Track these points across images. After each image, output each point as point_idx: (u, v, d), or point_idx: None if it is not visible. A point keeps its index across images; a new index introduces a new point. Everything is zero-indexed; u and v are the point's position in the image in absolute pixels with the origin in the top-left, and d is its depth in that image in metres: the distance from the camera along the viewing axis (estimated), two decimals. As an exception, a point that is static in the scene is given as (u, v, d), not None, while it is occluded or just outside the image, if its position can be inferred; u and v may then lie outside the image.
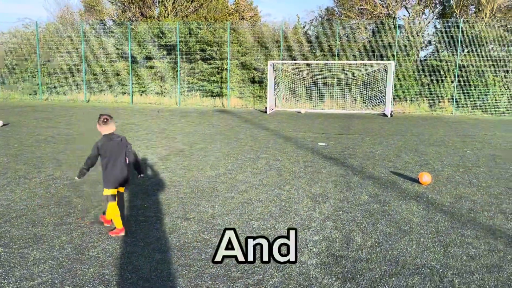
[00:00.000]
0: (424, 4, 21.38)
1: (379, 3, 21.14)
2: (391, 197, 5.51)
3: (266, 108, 18.51)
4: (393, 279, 3.30)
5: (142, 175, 4.38)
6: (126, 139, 4.26)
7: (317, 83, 20.64)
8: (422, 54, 21.60)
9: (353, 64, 19.61)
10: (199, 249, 3.80)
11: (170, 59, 22.47)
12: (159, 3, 21.90)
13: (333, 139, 10.52)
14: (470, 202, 5.33)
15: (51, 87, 23.94)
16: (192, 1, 22.26)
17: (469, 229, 4.40)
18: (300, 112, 18.27)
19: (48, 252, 3.66)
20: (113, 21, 23.64)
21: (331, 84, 20.74)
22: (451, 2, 20.54)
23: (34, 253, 3.63)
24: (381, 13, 21.32)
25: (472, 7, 20.28)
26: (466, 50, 19.69)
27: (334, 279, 3.29)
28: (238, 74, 21.82)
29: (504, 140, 10.80)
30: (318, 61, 19.76)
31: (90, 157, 4.10)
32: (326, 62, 19.51)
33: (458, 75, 19.46)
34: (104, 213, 4.34)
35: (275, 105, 19.84)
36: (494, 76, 19.44)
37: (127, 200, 5.18)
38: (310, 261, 3.59)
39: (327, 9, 23.06)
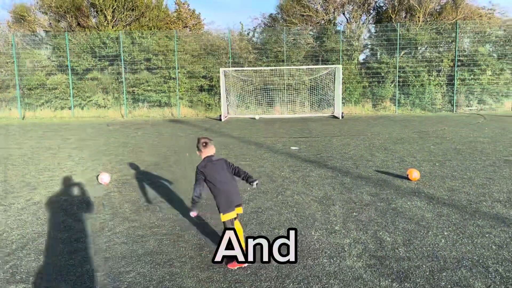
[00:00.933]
0: (361, 10, 22.45)
1: (321, 10, 21.86)
2: (391, 195, 5.65)
3: (220, 116, 18.33)
4: (444, 274, 3.36)
5: (256, 181, 3.89)
6: (225, 159, 3.90)
7: (266, 89, 20.86)
8: (361, 57, 22.68)
9: (302, 69, 20.07)
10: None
11: (112, 70, 21.52)
12: (97, 12, 20.87)
13: (302, 143, 10.64)
14: (464, 194, 5.62)
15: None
16: (132, 10, 21.50)
17: (480, 219, 4.62)
18: (255, 118, 18.32)
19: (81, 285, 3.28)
20: (46, 32, 22.14)
21: (280, 89, 21.07)
22: (386, 7, 21.77)
23: (65, 286, 3.24)
24: (322, 19, 22.05)
25: (404, 12, 21.62)
26: (402, 53, 20.96)
27: (390, 280, 3.28)
28: (186, 83, 21.43)
29: (456, 134, 11.60)
30: (269, 67, 19.97)
31: (198, 183, 3.69)
32: (277, 67, 19.78)
33: (399, 76, 20.65)
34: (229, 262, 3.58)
35: (228, 112, 19.72)
36: (429, 75, 20.89)
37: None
38: (357, 264, 3.56)
39: (270, 15, 23.41)
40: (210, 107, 21.95)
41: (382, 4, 22.29)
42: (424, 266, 3.51)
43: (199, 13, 24.33)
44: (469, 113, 19.20)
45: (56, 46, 21.02)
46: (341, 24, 22.92)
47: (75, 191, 6.20)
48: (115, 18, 21.24)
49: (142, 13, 21.79)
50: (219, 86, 21.39)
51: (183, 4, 23.55)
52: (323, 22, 22.41)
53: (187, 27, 23.30)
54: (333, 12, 22.09)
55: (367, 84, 21.33)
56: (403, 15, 21.42)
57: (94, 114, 21.35)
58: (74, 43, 20.63)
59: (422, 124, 14.84)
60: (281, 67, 20.07)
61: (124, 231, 4.47)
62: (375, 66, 21.15)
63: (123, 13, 21.24)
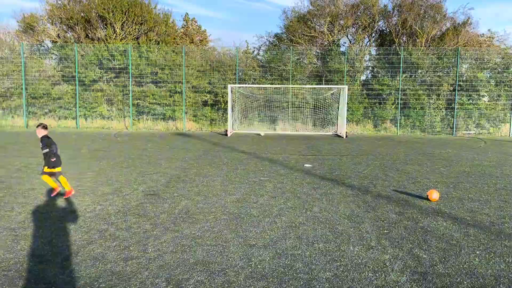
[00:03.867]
0: (364, 32, 23.06)
1: (327, 32, 22.40)
2: (415, 214, 5.89)
3: (226, 130, 18.58)
4: (486, 290, 3.58)
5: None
6: None
7: (269, 106, 21.22)
8: (363, 78, 23.20)
9: (308, 88, 20.48)
10: (289, 275, 3.80)
11: (118, 82, 21.74)
12: (106, 25, 21.19)
13: (313, 161, 10.89)
14: (485, 215, 5.88)
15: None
16: (141, 24, 21.86)
17: (506, 240, 4.88)
18: (260, 134, 18.59)
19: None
20: (53, 42, 22.37)
21: (283, 107, 21.44)
22: (390, 30, 22.39)
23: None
24: (327, 40, 22.59)
25: (406, 36, 22.24)
26: (404, 76, 21.51)
27: (437, 294, 3.49)
28: (191, 97, 21.71)
29: (462, 158, 11.95)
30: (277, 85, 20.36)
31: (55, 146, 6.42)
32: (284, 86, 20.19)
33: (400, 98, 21.15)
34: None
35: (232, 128, 19.97)
36: (429, 99, 21.43)
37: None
38: (401, 279, 3.77)
39: (276, 35, 23.91)
40: (214, 122, 22.21)
41: (384, 28, 22.89)
42: (465, 282, 3.73)
43: (205, 30, 24.74)
44: (469, 137, 19.66)
45: (63, 56, 21.24)
46: (344, 45, 23.46)
47: (106, 200, 6.35)
48: (124, 32, 21.55)
49: (151, 27, 22.15)
50: (224, 102, 21.76)
51: (191, 20, 23.99)
52: (326, 43, 22.93)
53: (193, 42, 23.69)
54: (337, 34, 22.62)
55: (368, 105, 21.80)
56: (405, 39, 22.01)
57: (98, 125, 21.48)
58: (82, 54, 20.86)
59: (426, 146, 15.21)
60: (288, 86, 20.51)
61: (169, 240, 4.63)
62: (377, 88, 21.65)
63: (132, 27, 21.57)
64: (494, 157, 12.21)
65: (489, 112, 21.29)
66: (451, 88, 21.14)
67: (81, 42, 21.63)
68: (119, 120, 21.96)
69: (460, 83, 20.78)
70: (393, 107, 21.69)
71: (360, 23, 22.16)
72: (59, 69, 21.82)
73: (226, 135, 18.08)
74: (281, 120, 21.29)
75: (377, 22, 22.48)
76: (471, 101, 21.17)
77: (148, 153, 11.92)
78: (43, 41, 21.90)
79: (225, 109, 22.17)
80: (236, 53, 21.39)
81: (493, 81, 21.65)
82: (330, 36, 22.42)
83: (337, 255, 4.32)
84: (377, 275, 3.85)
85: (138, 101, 21.68)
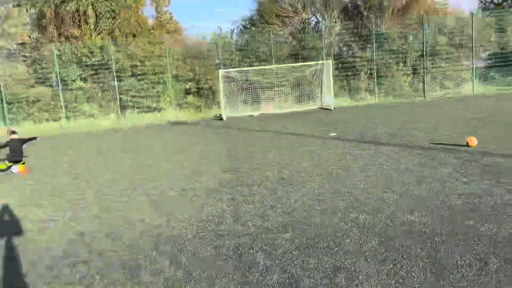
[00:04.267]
0: (331, 8, 24.13)
1: (300, 10, 23.26)
2: (470, 157, 6.98)
3: (220, 115, 19.10)
4: None
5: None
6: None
7: (254, 88, 21.88)
8: (336, 52, 24.38)
9: (291, 66, 21.31)
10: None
11: (98, 78, 21.42)
12: (79, 22, 20.72)
13: (332, 130, 11.83)
14: (524, 150, 7.09)
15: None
16: (114, 18, 21.56)
17: (558, 164, 6.06)
18: (253, 116, 19.27)
19: None
20: (21, 44, 21.53)
21: (265, 88, 22.18)
22: (359, 4, 23.62)
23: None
24: (300, 19, 23.48)
25: (374, 9, 23.60)
26: (374, 47, 22.90)
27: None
28: (173, 87, 21.88)
29: (453, 113, 13.41)
30: (270, 66, 21.03)
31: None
32: (277, 66, 20.91)
33: (371, 69, 22.59)
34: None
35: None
36: (398, 66, 23.04)
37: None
38: (505, 197, 4.78)
39: (251, 18, 24.43)
40: (199, 109, 22.55)
41: (353, 2, 24.08)
42: (560, 192, 4.80)
43: (178, 20, 24.80)
44: (440, 97, 21.53)
45: (39, 58, 20.56)
46: (314, 22, 24.47)
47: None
48: (99, 27, 21.18)
49: (124, 20, 21.90)
50: (207, 88, 22.15)
51: (165, 12, 23.94)
52: (298, 21, 23.81)
53: (168, 32, 23.68)
54: (309, 12, 23.56)
55: (343, 78, 23.05)
56: (373, 12, 23.35)
57: (83, 124, 21.13)
58: (59, 53, 20.33)
59: (412, 108, 16.65)
60: (278, 66, 21.23)
61: (328, 188, 5.36)
62: (350, 60, 22.94)
63: (105, 22, 21.23)
64: (478, 109, 13.77)
65: (451, 74, 23.27)
66: (417, 55, 22.84)
67: (54, 41, 20.99)
68: (105, 118, 21.70)
69: (426, 48, 22.50)
70: (365, 77, 23.10)
71: (329, 0, 23.19)
72: (33, 71, 21.10)
73: (222, 119, 18.59)
74: (266, 100, 22.03)
75: (345, -2, 23.62)
76: (434, 65, 23.01)
77: (178, 144, 12.31)
78: (16, 43, 21.02)
79: (208, 95, 22.57)
80: (218, 38, 21.76)
81: (451, 44, 23.58)
82: (303, 15, 23.30)
83: (448, 190, 5.25)
84: (493, 197, 4.82)
85: (121, 95, 21.53)
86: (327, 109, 19.50)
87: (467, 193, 5.04)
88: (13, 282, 3.63)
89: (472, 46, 22.54)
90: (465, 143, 7.96)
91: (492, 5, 26.93)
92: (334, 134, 11.04)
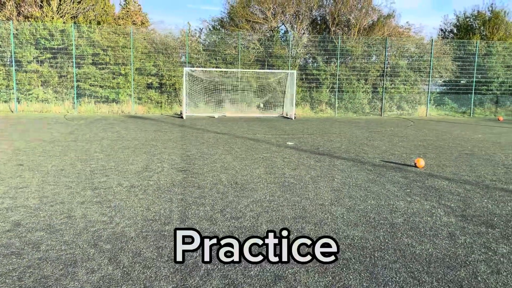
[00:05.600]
0: (301, 19, 24.56)
1: (270, 18, 23.46)
2: (416, 177, 7.29)
3: (181, 113, 18.86)
4: (510, 222, 4.98)
5: None
6: None
7: (217, 89, 21.81)
8: (300, 63, 24.79)
9: (254, 72, 21.42)
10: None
11: (55, 63, 20.59)
12: (42, 2, 19.85)
13: (288, 139, 11.99)
14: (466, 175, 7.49)
15: None
16: (79, 3, 20.83)
17: (499, 190, 6.44)
18: (214, 117, 19.18)
19: None
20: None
21: (228, 90, 22.18)
22: (327, 19, 24.16)
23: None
24: (269, 27, 23.69)
25: (342, 25, 24.23)
26: (338, 62, 23.51)
27: None
28: (135, 80, 21.42)
29: (407, 134, 13.96)
30: (232, 69, 20.98)
31: None
32: (243, 70, 20.92)
33: (333, 83, 23.13)
34: None
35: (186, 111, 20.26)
36: (358, 83, 23.74)
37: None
38: (451, 219, 5.03)
39: (220, 19, 24.36)
40: (159, 105, 22.19)
41: (320, 17, 24.58)
42: (495, 219, 5.10)
43: (146, 13, 24.30)
44: (395, 117, 22.35)
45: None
46: (282, 30, 24.75)
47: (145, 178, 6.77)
48: (61, 10, 20.37)
49: (88, 6, 21.21)
50: (170, 84, 21.85)
51: (134, 2, 23.38)
52: (267, 29, 24.01)
53: (135, 24, 23.15)
54: (278, 21, 23.81)
55: (306, 89, 23.47)
56: (339, 29, 23.97)
57: (35, 109, 20.23)
58: (15, 33, 19.36)
59: (369, 125, 17.19)
60: (245, 70, 21.27)
61: (247, 203, 5.38)
62: (314, 73, 23.38)
63: (70, 5, 20.47)
64: (430, 133, 14.44)
65: (408, 95, 24.26)
66: (378, 74, 23.64)
67: (12, 19, 19.98)
68: (58, 104, 20.86)
69: (386, 69, 23.34)
70: (327, 90, 23.62)
71: (299, 11, 23.56)
72: (-14, 48, 19.96)
73: (182, 117, 18.37)
74: (228, 103, 22.01)
75: (314, 11, 24.08)
76: (393, 86, 23.92)
77: (130, 135, 12.02)
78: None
79: (170, 92, 22.26)
80: (186, 35, 21.52)
81: (410, 68, 24.63)
82: (273, 23, 23.52)
83: (392, 208, 5.45)
84: (432, 218, 5.05)
85: (79, 83, 20.79)
86: (288, 118, 19.74)
87: (409, 212, 5.24)
88: None
89: (430, 71, 23.61)
90: (413, 164, 8.29)
91: (451, 35, 28.35)
92: (291, 143, 11.19)
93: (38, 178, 6.57)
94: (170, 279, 3.32)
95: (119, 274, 3.37)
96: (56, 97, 20.79)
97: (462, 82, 24.69)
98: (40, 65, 20.20)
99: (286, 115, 20.55)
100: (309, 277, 3.39)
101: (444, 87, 25.84)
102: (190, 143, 10.75)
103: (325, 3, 24.11)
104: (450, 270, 3.58)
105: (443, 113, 24.72)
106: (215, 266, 3.53)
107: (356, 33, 23.40)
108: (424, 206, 5.52)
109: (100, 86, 21.07)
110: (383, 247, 4.05)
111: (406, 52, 24.42)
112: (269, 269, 3.51)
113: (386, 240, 4.24)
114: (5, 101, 20.10)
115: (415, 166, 8.18)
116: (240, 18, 23.50)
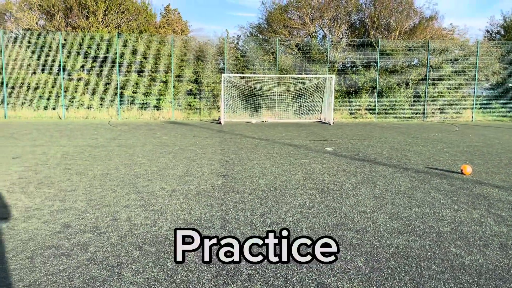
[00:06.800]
0: (339, 24, 24.32)
1: (308, 23, 23.39)
2: (463, 184, 6.99)
3: (219, 118, 19.09)
4: None
5: None
6: None
7: (255, 95, 21.94)
8: (339, 68, 24.52)
9: (295, 77, 21.41)
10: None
11: (101, 71, 21.43)
12: (88, 13, 20.76)
13: (327, 144, 11.85)
14: (517, 183, 7.10)
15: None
16: (123, 13, 21.61)
17: (550, 200, 6.06)
18: (251, 122, 19.28)
19: None
20: (29, 30, 21.53)
21: (266, 96, 22.25)
22: (363, 24, 23.81)
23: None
24: (307, 32, 23.61)
25: (382, 29, 23.80)
26: (378, 66, 23.07)
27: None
28: (175, 87, 21.92)
29: (452, 139, 13.46)
30: (274, 75, 21.07)
31: None
32: (281, 75, 20.96)
33: (373, 87, 22.70)
34: None
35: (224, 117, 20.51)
36: (399, 87, 23.17)
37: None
38: (502, 229, 4.78)
39: (258, 26, 24.56)
40: (198, 111, 22.58)
41: (359, 21, 24.24)
42: (549, 229, 4.80)
43: (186, 21, 24.89)
44: (439, 122, 21.61)
45: (44, 45, 20.56)
46: (320, 35, 24.59)
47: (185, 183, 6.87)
48: (106, 20, 21.22)
49: (132, 16, 21.96)
50: (208, 91, 22.18)
51: (173, 11, 24.03)
52: (305, 34, 23.94)
53: (175, 32, 23.75)
54: (316, 26, 23.69)
55: (344, 93, 23.18)
56: (379, 32, 23.53)
57: (81, 115, 21.11)
58: (63, 42, 20.33)
59: (410, 130, 16.72)
60: (284, 75, 21.36)
61: (288, 209, 5.34)
62: (353, 77, 23.05)
63: (114, 16, 21.28)
64: (477, 138, 13.84)
65: (452, 100, 23.42)
66: (420, 78, 22.98)
67: (61, 30, 21.02)
68: (101, 110, 21.68)
69: (429, 72, 22.66)
70: (367, 95, 23.21)
71: (338, 16, 23.35)
72: (37, 58, 21.08)
73: (220, 123, 18.60)
74: (265, 109, 22.09)
75: (353, 15, 23.79)
76: (436, 89, 23.16)
77: (170, 141, 12.29)
78: (20, 29, 21.02)
79: (209, 98, 22.60)
80: (225, 43, 21.82)
81: (455, 71, 23.79)
82: (311, 28, 23.44)
83: (438, 216, 5.25)
84: (482, 227, 4.82)
85: (122, 90, 21.53)
86: (326, 123, 19.54)
87: (457, 220, 5.03)
88: (-8, 268, 3.58)
89: (476, 74, 22.72)
90: (459, 171, 7.97)
91: (498, 36, 27.16)
92: (330, 148, 11.05)
93: (85, 182, 6.83)
94: (212, 283, 3.34)
95: (163, 277, 3.44)
96: (101, 104, 21.61)
97: (510, 85, 23.57)
98: (86, 73, 21.11)
99: (324, 120, 20.36)
100: (352, 285, 3.32)
101: (491, 91, 24.75)
102: (229, 149, 10.85)
103: (364, 6, 23.74)
104: (503, 283, 3.40)
105: (490, 117, 23.66)
106: (257, 272, 3.53)
107: (396, 36, 22.90)
108: (472, 214, 5.28)
109: (142, 93, 21.72)
110: (429, 257, 3.91)
111: (450, 55, 23.63)
112: (311, 276, 3.46)
113: (433, 250, 4.09)
114: (54, 108, 21.10)
115: (462, 173, 7.86)
116: (277, 24, 23.57)
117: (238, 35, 24.51)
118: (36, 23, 21.27)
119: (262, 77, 21.62)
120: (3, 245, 4.09)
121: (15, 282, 3.33)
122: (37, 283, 3.31)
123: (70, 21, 21.02)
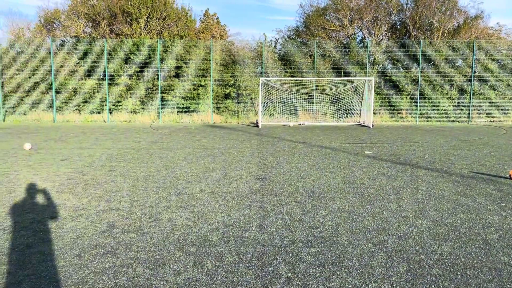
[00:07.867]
0: (379, 25, 23.86)
1: (347, 25, 23.13)
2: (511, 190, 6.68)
3: (256, 122, 19.21)
4: None
5: None
6: None
7: (290, 98, 21.90)
8: (379, 69, 24.02)
9: (334, 80, 21.21)
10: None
11: (143, 76, 22.09)
12: (131, 20, 21.50)
13: (367, 148, 11.63)
14: None
15: (5, 107, 22.04)
16: (164, 19, 22.22)
17: None
18: (289, 126, 19.25)
19: None
20: (76, 37, 22.56)
21: (303, 99, 22.14)
22: (407, 23, 23.24)
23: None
24: (346, 33, 23.33)
25: (423, 29, 23.14)
26: (420, 67, 22.42)
27: None
28: (214, 90, 22.24)
29: (498, 143, 12.87)
30: (312, 78, 21.03)
31: None
32: (319, 78, 20.87)
33: (415, 89, 22.08)
34: None
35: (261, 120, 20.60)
36: (442, 89, 22.40)
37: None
38: (556, 238, 4.52)
39: (296, 29, 24.54)
40: (236, 114, 22.80)
41: (400, 21, 23.69)
42: None
43: (224, 24, 25.23)
44: (485, 125, 20.72)
45: (90, 51, 21.47)
46: (359, 37, 24.22)
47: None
48: (148, 27, 21.89)
49: (172, 22, 22.53)
50: (246, 94, 22.36)
51: (212, 16, 24.45)
52: (344, 36, 23.66)
53: (214, 37, 24.14)
54: (355, 27, 23.37)
55: (385, 96, 22.68)
56: (420, 33, 22.89)
57: (124, 119, 21.84)
58: (110, 49, 21.16)
59: (454, 133, 16.13)
60: (323, 78, 21.25)
61: (325, 213, 5.30)
62: (393, 79, 22.52)
63: (156, 22, 21.92)
64: (527, 142, 13.16)
65: (499, 102, 22.38)
66: (464, 79, 22.13)
67: (106, 37, 21.88)
68: (143, 114, 22.33)
69: (474, 74, 21.78)
70: (408, 97, 22.60)
71: (377, 17, 22.93)
72: (82, 64, 22.03)
73: (257, 126, 18.70)
74: (302, 112, 21.99)
75: (394, 16, 23.29)
76: (482, 91, 22.21)
77: (209, 144, 12.49)
78: (68, 37, 22.09)
79: (247, 102, 22.76)
80: (263, 46, 21.96)
81: (502, 72, 22.73)
82: (349, 30, 23.14)
83: (485, 223, 5.04)
84: (532, 236, 4.58)
85: (163, 94, 22.09)
86: (365, 126, 19.21)
87: (505, 227, 4.81)
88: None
89: (525, 75, 21.63)
90: (507, 176, 7.62)
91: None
92: (370, 152, 10.86)
93: (129, 183, 7.07)
94: (252, 285, 3.37)
95: (204, 277, 3.51)
96: (143, 108, 22.28)
97: None
98: (129, 79, 21.84)
99: (364, 123, 20.02)
100: (394, 292, 3.26)
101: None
102: (267, 152, 10.89)
103: (405, 7, 23.19)
104: (557, 295, 3.23)
105: (542, 120, 22.43)
106: (296, 275, 3.53)
107: (439, 36, 22.19)
108: (522, 222, 5.03)
109: (182, 97, 22.20)
110: (476, 265, 3.77)
111: (496, 55, 22.62)
112: (351, 281, 3.43)
113: (480, 257, 3.94)
114: (99, 112, 21.96)
115: (510, 178, 7.51)
116: (316, 27, 23.44)
117: (276, 39, 24.54)
118: (83, 30, 22.25)
119: (300, 80, 21.56)
120: (53, 243, 4.31)
121: (64, 278, 3.50)
122: (85, 280, 3.47)
123: (114, 28, 21.84)
